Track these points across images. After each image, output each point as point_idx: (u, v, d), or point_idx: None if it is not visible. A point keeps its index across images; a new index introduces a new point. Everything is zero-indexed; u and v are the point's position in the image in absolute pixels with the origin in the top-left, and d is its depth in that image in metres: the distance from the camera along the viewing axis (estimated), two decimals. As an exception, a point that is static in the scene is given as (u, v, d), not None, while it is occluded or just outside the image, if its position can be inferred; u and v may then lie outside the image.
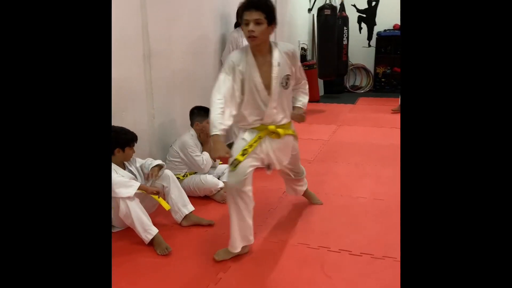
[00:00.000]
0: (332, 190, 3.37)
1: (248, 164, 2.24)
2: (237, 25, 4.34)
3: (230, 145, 2.31)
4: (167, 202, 2.69)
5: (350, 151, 4.48)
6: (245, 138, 2.31)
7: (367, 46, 8.24)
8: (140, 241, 2.50)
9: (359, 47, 8.24)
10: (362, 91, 8.48)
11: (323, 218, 2.88)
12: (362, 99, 7.69)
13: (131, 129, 2.75)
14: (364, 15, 8.09)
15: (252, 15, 2.05)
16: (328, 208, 3.04)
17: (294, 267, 2.27)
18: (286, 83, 2.25)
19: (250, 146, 2.27)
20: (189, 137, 3.20)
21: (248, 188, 2.28)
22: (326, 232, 2.66)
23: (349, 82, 8.66)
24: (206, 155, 3.23)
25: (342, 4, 7.14)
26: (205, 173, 3.24)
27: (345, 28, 7.17)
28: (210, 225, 2.76)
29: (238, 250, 2.32)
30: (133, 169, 2.74)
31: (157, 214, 2.82)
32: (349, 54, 7.78)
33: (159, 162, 2.75)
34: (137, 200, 2.52)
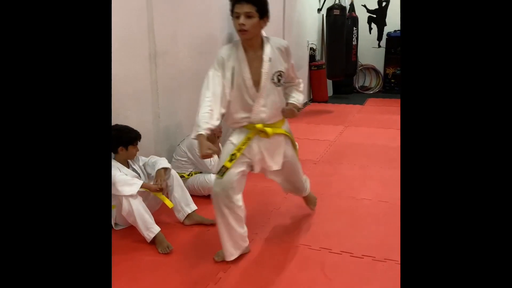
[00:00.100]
0: (336, 192, 3.36)
1: (235, 172, 2.16)
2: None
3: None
4: (170, 201, 2.70)
5: (357, 153, 4.45)
6: (233, 141, 2.22)
7: (377, 46, 8.18)
8: (142, 239, 2.51)
9: (369, 48, 8.18)
10: (372, 92, 8.43)
11: (326, 219, 2.87)
12: (371, 100, 7.64)
13: (136, 128, 2.76)
14: (374, 16, 8.03)
15: (243, 8, 1.97)
16: (332, 209, 3.03)
17: (294, 268, 2.27)
18: (278, 79, 2.14)
19: (239, 149, 2.17)
20: None
21: (236, 198, 2.20)
22: (328, 233, 2.65)
23: (358, 82, 8.61)
24: (214, 156, 3.23)
25: (352, 5, 7.11)
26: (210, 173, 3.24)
27: (354, 28, 7.13)
28: (212, 224, 2.75)
29: (233, 257, 2.29)
30: (136, 167, 2.76)
31: (161, 213, 2.83)
32: (359, 55, 7.74)
33: (165, 165, 2.74)
34: (140, 199, 2.54)
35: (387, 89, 8.35)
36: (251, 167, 2.27)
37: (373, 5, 8.00)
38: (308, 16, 6.98)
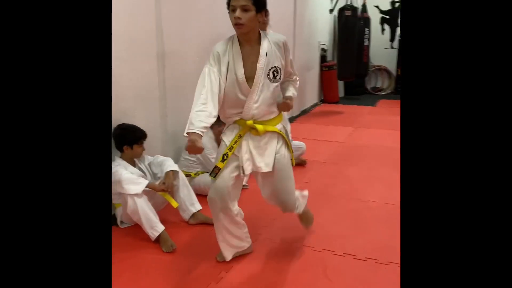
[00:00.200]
0: (342, 193, 3.34)
1: (229, 176, 2.11)
2: (253, 25, 4.35)
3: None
4: (176, 200, 2.72)
5: (365, 154, 4.43)
6: (225, 140, 2.16)
7: (390, 47, 8.11)
8: (146, 237, 2.54)
9: (381, 49, 8.12)
10: (383, 93, 8.37)
11: (330, 221, 2.86)
12: (383, 101, 7.59)
13: (144, 127, 2.79)
14: (387, 17, 7.97)
15: (239, 1, 1.89)
16: (337, 211, 3.02)
17: (296, 269, 2.27)
18: (274, 75, 2.05)
19: (230, 148, 2.10)
20: (207, 139, 3.23)
21: (232, 203, 2.19)
22: (332, 235, 2.65)
23: (370, 84, 8.56)
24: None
25: (364, 5, 7.07)
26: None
27: (366, 29, 7.09)
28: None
29: (228, 259, 2.31)
30: (142, 166, 2.78)
31: (167, 212, 2.85)
32: (371, 56, 7.69)
33: (173, 167, 2.76)
34: (145, 198, 2.56)
35: (399, 91, 8.26)
36: (242, 168, 2.14)
37: (386, 6, 7.94)
38: (320, 16, 6.95)
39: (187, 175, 3.15)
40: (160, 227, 2.52)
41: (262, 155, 2.13)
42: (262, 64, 2.01)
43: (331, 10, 7.33)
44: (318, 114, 6.63)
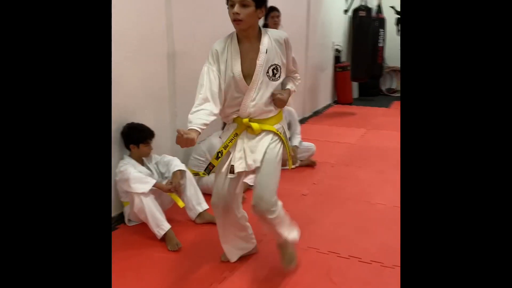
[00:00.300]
0: (350, 195, 3.32)
1: (228, 180, 2.07)
2: (264, 26, 4.36)
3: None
4: (183, 200, 2.74)
5: (376, 156, 4.39)
6: (222, 139, 2.12)
7: (405, 48, 8.01)
8: (153, 235, 2.56)
9: (397, 50, 8.00)
10: (398, 95, 8.28)
11: (337, 223, 2.84)
12: (397, 103, 7.50)
13: (153, 127, 2.82)
14: (403, 17, 7.88)
15: None
16: (344, 213, 3.00)
17: (300, 271, 2.26)
18: (273, 73, 1.97)
19: (225, 146, 2.06)
20: (218, 141, 3.24)
21: (236, 206, 2.17)
22: (338, 237, 2.63)
23: (385, 85, 8.48)
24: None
25: (379, 6, 7.00)
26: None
27: (381, 30, 7.02)
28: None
29: (233, 260, 2.32)
30: (150, 165, 2.81)
31: (174, 211, 2.86)
32: (386, 57, 7.61)
33: (181, 167, 2.78)
34: (152, 197, 2.59)
35: (414, 92, 8.17)
36: (232, 168, 2.05)
37: (402, 7, 7.85)
38: (334, 17, 6.92)
39: (196, 174, 3.17)
40: (166, 226, 2.55)
41: (254, 152, 2.03)
42: (261, 61, 1.94)
43: (346, 11, 7.27)
44: (330, 115, 6.59)
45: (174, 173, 2.72)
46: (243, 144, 2.05)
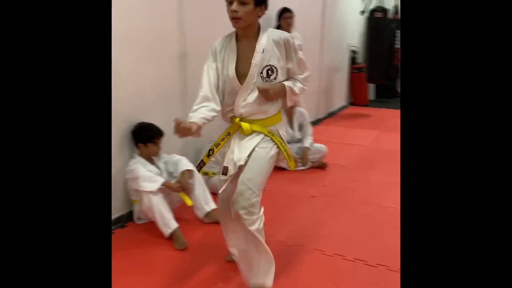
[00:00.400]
0: (360, 198, 3.30)
1: (230, 186, 2.01)
2: (277, 27, 4.36)
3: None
4: (191, 199, 2.77)
5: (388, 159, 4.34)
6: (217, 138, 2.08)
7: (423, 50, 7.91)
8: (161, 234, 2.60)
9: (414, 51, 7.93)
10: (415, 97, 8.17)
11: (345, 225, 2.83)
12: (414, 105, 7.41)
13: (163, 126, 2.86)
14: (421, 18, 7.78)
15: None
16: (353, 215, 2.99)
17: (304, 272, 2.26)
18: (268, 74, 1.89)
19: (217, 145, 2.04)
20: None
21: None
22: (345, 240, 2.62)
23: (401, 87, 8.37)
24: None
25: (396, 7, 6.93)
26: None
27: (398, 31, 6.94)
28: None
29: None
30: (160, 165, 2.85)
31: (182, 210, 2.89)
32: (403, 58, 7.52)
33: (189, 166, 2.81)
34: (160, 195, 2.62)
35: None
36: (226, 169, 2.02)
37: (420, 8, 7.76)
38: (350, 18, 6.87)
39: (205, 174, 3.20)
40: (173, 225, 2.57)
41: (240, 150, 1.97)
42: (257, 61, 1.87)
43: (363, 12, 7.22)
44: (345, 117, 6.56)
45: (183, 172, 2.75)
46: (234, 144, 2.00)
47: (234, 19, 1.81)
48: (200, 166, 2.11)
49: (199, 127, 1.82)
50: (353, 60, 7.24)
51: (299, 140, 4.16)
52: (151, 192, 2.59)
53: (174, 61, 3.17)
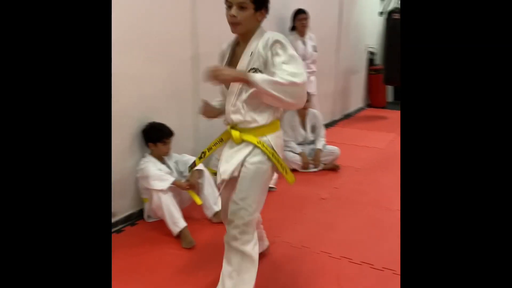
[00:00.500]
0: (371, 201, 3.27)
1: (227, 194, 1.97)
2: (292, 28, 4.37)
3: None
4: (200, 198, 2.80)
5: (403, 162, 4.29)
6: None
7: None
8: (169, 232, 2.63)
9: (434, 53, 7.81)
10: (435, 99, 8.05)
11: (353, 228, 2.82)
12: (433, 108, 7.31)
13: (175, 127, 2.90)
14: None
15: None
16: (362, 218, 2.97)
17: (308, 274, 2.26)
18: None
19: (209, 149, 2.01)
20: None
21: None
22: (352, 242, 2.61)
23: (421, 89, 8.26)
24: None
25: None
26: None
27: (417, 32, 6.86)
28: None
29: None
30: (170, 164, 2.89)
31: (191, 209, 2.92)
32: (422, 60, 7.43)
33: (198, 166, 2.84)
34: (170, 194, 2.66)
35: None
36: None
37: (441, 9, 7.64)
38: (368, 19, 6.82)
39: (215, 174, 3.22)
40: (182, 224, 2.61)
41: (228, 162, 1.88)
42: (243, 64, 1.77)
43: (381, 13, 7.15)
44: (361, 119, 6.51)
45: (192, 172, 2.78)
46: (224, 153, 1.94)
47: (233, 24, 1.74)
48: (191, 166, 2.15)
49: (220, 111, 1.93)
50: (371, 62, 7.19)
51: (312, 142, 4.15)
52: (161, 190, 2.63)
53: (187, 62, 3.20)
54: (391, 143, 5.05)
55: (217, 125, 3.60)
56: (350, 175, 3.91)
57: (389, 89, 7.68)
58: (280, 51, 1.71)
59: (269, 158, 1.83)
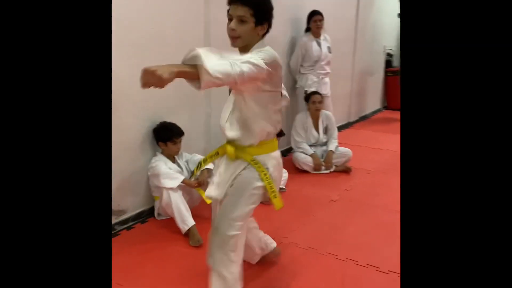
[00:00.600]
0: (380, 204, 3.26)
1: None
2: (307, 30, 4.37)
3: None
4: (209, 197, 2.84)
5: (417, 165, 4.26)
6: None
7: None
8: (178, 230, 2.68)
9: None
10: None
11: (362, 231, 2.81)
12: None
13: (187, 127, 2.95)
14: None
15: (236, 11, 1.65)
16: (370, 221, 2.96)
17: (313, 276, 2.27)
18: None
19: (205, 160, 1.99)
20: None
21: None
22: (360, 245, 2.60)
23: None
24: None
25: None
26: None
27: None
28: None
29: (253, 262, 2.30)
30: (181, 163, 2.93)
31: (201, 207, 2.95)
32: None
33: (208, 166, 2.88)
34: (180, 192, 2.71)
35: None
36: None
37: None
38: (386, 20, 6.76)
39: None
40: (190, 222, 2.65)
41: (220, 183, 1.85)
42: None
43: (400, 14, 7.08)
44: (377, 121, 6.46)
45: (202, 171, 2.82)
46: (218, 169, 1.90)
47: (232, 37, 1.69)
48: (191, 175, 2.13)
49: None
50: (388, 63, 7.13)
51: (325, 144, 4.15)
52: (171, 188, 2.68)
53: (200, 62, 3.24)
54: (406, 146, 5.00)
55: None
56: (362, 177, 3.89)
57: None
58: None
59: (261, 178, 1.76)
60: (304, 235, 2.74)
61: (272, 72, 1.63)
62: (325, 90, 4.45)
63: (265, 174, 1.76)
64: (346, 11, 5.50)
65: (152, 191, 2.93)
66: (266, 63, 1.57)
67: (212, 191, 1.88)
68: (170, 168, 2.79)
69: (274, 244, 2.41)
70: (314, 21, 4.27)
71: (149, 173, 2.86)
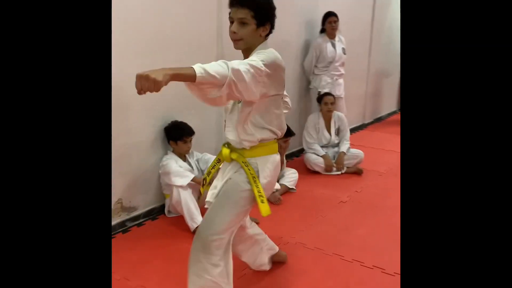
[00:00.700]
0: (390, 206, 3.24)
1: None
2: (322, 31, 4.37)
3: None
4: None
5: (430, 168, 4.22)
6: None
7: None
8: (187, 228, 2.73)
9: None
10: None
11: (370, 233, 2.81)
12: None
13: (198, 126, 3.00)
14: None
15: (237, 13, 1.64)
16: (379, 223, 2.96)
17: (319, 276, 2.29)
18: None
19: (208, 173, 1.95)
20: None
21: (242, 233, 2.06)
22: (367, 247, 2.61)
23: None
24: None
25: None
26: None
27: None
28: (256, 223, 2.87)
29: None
30: (192, 161, 2.98)
31: (211, 206, 3.00)
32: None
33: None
34: (189, 191, 2.76)
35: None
36: None
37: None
38: (403, 22, 6.70)
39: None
40: (199, 219, 2.69)
41: (217, 185, 1.86)
42: None
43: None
44: (392, 123, 6.40)
45: (210, 171, 2.86)
46: (221, 170, 1.89)
47: (234, 40, 1.69)
48: (198, 197, 2.13)
49: None
50: (405, 65, 7.05)
51: (337, 145, 4.15)
52: (181, 186, 2.73)
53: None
54: (420, 149, 4.95)
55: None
56: (373, 179, 3.88)
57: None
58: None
59: (250, 181, 1.73)
60: (312, 235, 2.75)
61: (271, 73, 1.62)
62: (339, 91, 4.45)
63: (253, 177, 1.73)
64: (361, 12, 5.48)
65: (163, 188, 2.99)
66: (265, 64, 1.58)
67: (209, 196, 1.88)
68: (180, 167, 2.84)
69: (276, 248, 2.36)
70: (329, 22, 4.27)
71: (160, 171, 2.92)
